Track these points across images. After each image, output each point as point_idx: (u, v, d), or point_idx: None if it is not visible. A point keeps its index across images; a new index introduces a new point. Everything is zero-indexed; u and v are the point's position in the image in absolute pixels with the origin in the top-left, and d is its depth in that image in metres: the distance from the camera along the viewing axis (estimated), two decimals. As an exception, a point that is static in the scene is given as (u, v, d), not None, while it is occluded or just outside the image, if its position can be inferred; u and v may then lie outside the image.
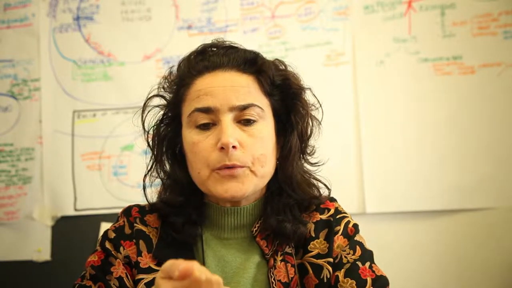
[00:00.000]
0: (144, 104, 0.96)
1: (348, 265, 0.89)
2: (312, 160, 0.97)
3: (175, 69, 0.96)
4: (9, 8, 2.08)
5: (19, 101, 2.05)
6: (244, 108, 0.87)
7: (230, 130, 0.85)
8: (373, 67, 1.95)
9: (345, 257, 0.90)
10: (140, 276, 0.88)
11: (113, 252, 0.91)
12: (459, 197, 1.86)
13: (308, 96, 0.97)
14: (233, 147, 0.84)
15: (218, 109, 0.86)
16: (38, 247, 1.98)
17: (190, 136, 0.88)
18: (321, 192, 0.97)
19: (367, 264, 0.89)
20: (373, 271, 0.89)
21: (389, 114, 1.92)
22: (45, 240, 1.98)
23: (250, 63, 0.91)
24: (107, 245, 0.92)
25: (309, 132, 0.95)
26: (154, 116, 0.97)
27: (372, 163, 1.91)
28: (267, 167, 0.89)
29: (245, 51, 0.93)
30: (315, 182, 0.97)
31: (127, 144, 1.98)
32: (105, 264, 0.90)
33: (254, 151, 0.86)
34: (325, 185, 0.97)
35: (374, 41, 1.95)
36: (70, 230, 1.98)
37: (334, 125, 1.91)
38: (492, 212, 1.85)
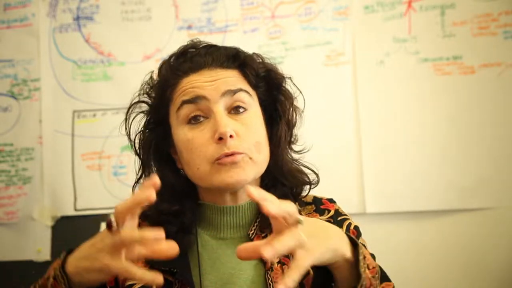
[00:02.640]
0: (127, 113, 0.96)
1: None
2: (297, 149, 0.99)
3: (155, 74, 0.96)
4: (9, 8, 2.08)
5: (19, 101, 2.05)
6: (234, 92, 0.87)
7: (225, 120, 0.85)
8: (373, 67, 1.94)
9: None
10: (132, 282, 0.86)
11: None
12: (459, 197, 1.86)
13: (289, 86, 0.98)
14: (230, 136, 0.84)
15: (208, 98, 0.86)
16: (38, 247, 1.98)
17: (184, 133, 0.88)
18: (310, 179, 0.97)
19: None
20: None
21: (389, 114, 1.92)
22: (45, 240, 1.98)
23: (233, 58, 0.92)
24: None
25: (294, 121, 0.97)
26: (140, 122, 0.96)
27: (372, 163, 1.91)
28: (263, 154, 0.89)
29: (225, 48, 0.94)
30: (302, 168, 0.98)
31: (127, 144, 1.95)
32: None
33: (249, 139, 0.87)
34: (312, 170, 0.98)
35: (374, 41, 1.95)
36: (70, 230, 1.98)
37: (334, 125, 1.92)
38: (493, 212, 1.85)
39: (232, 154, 0.84)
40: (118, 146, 1.99)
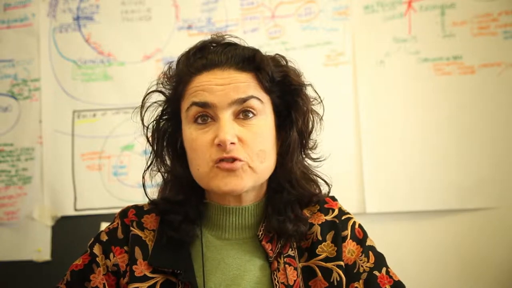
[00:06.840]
0: (143, 100, 0.95)
1: (365, 275, 0.89)
2: (314, 156, 0.96)
3: (174, 65, 0.95)
4: (9, 8, 2.08)
5: (19, 101, 2.05)
6: (244, 100, 0.85)
7: (228, 127, 0.83)
8: (373, 67, 1.95)
9: (361, 266, 0.90)
10: (135, 285, 0.86)
11: (98, 259, 0.90)
12: (460, 197, 1.86)
13: (309, 91, 0.95)
14: (232, 143, 0.83)
15: (216, 105, 0.85)
16: (38, 247, 1.97)
17: (190, 132, 0.87)
18: (321, 189, 0.96)
19: (384, 270, 0.90)
20: (391, 277, 0.89)
21: (389, 114, 1.92)
22: (45, 240, 1.98)
23: (249, 61, 0.89)
24: (96, 249, 0.91)
25: (310, 128, 0.94)
26: (153, 112, 0.95)
27: (372, 163, 1.91)
28: (266, 163, 0.87)
29: (243, 48, 0.92)
30: (315, 178, 0.96)
31: (127, 144, 1.98)
32: (86, 270, 0.90)
33: (253, 147, 0.85)
34: (324, 181, 0.96)
35: (374, 41, 1.95)
36: (70, 230, 1.98)
37: (334, 125, 1.91)
38: (493, 212, 1.85)
39: (232, 161, 0.83)
40: (118, 146, 1.99)
